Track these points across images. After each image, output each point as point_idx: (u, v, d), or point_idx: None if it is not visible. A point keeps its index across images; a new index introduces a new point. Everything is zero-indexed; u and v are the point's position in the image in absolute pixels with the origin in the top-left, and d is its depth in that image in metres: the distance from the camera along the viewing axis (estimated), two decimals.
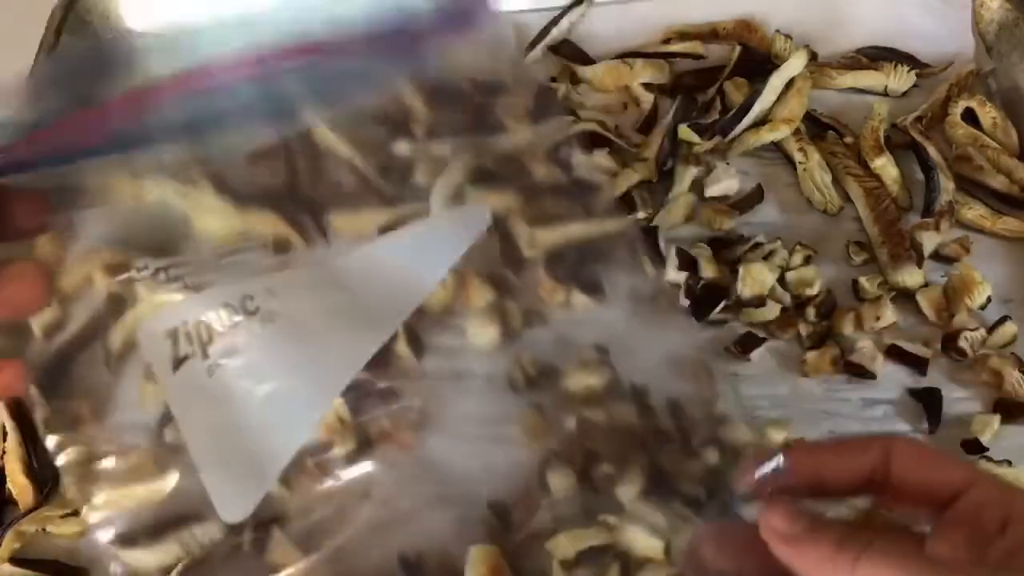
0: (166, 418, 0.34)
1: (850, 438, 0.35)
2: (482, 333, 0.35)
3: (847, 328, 0.60)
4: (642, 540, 0.33)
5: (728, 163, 0.66)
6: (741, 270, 0.59)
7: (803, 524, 0.29)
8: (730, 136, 0.67)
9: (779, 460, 0.31)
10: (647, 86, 0.71)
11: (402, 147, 0.33)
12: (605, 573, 0.33)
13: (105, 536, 0.53)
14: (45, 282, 0.30)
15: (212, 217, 0.35)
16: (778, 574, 0.30)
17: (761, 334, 0.59)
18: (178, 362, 0.31)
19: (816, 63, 0.73)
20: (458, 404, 0.59)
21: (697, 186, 0.66)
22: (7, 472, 0.55)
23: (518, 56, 0.36)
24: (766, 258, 0.61)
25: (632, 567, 0.33)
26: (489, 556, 0.33)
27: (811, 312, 0.60)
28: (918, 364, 0.59)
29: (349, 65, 0.30)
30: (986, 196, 0.66)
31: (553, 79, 0.71)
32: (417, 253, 0.33)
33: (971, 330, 0.58)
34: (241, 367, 0.31)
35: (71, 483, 0.55)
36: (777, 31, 0.73)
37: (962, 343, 0.58)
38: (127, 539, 0.53)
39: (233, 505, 0.32)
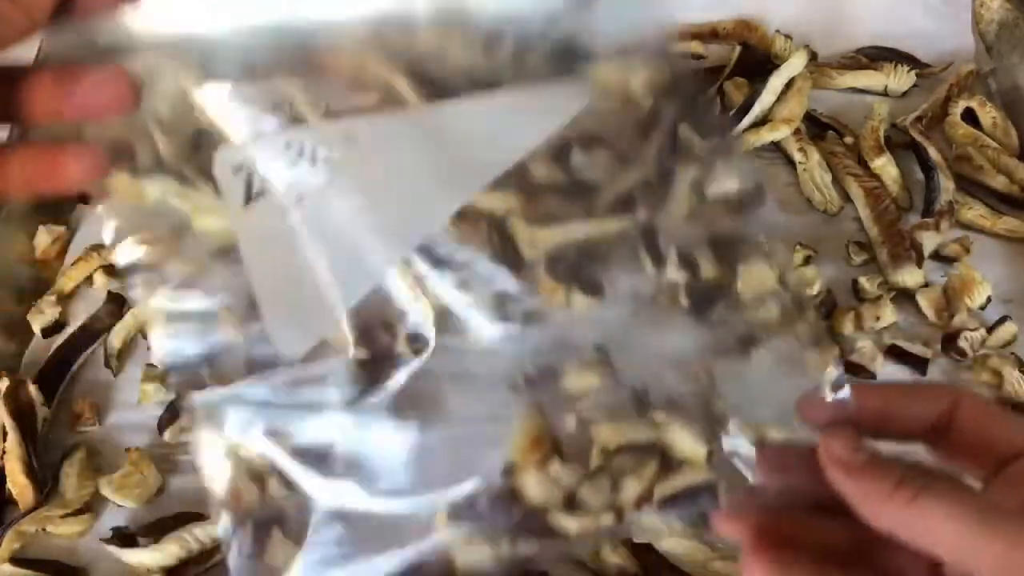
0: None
1: (919, 384, 0.35)
2: (482, 333, 0.35)
3: (847, 328, 0.60)
4: (687, 443, 0.33)
5: (728, 163, 0.66)
6: (741, 270, 0.59)
7: (864, 455, 0.29)
8: (730, 136, 0.67)
9: (847, 392, 0.31)
10: (647, 86, 0.71)
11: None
12: (643, 466, 0.33)
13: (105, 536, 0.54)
14: (134, 86, 0.30)
15: (212, 217, 0.35)
16: (821, 498, 0.30)
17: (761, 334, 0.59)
18: (250, 197, 0.31)
19: (816, 63, 0.73)
20: (458, 404, 0.59)
21: (697, 186, 0.66)
22: (7, 472, 0.55)
23: (518, 55, 0.36)
24: (766, 258, 0.61)
25: (671, 466, 0.33)
26: (534, 429, 0.32)
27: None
28: (918, 364, 0.59)
29: None
30: (986, 196, 0.66)
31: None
32: (512, 117, 0.33)
33: (971, 330, 0.58)
34: (313, 212, 0.31)
35: (71, 483, 0.55)
36: (777, 31, 0.73)
37: (962, 343, 0.58)
38: (127, 539, 0.53)
39: (290, 341, 0.32)
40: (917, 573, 0.30)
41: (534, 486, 0.33)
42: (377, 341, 0.34)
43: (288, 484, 0.52)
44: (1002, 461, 0.30)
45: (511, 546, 0.34)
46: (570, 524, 0.33)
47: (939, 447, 0.32)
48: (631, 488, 0.34)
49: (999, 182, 0.66)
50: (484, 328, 0.33)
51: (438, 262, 0.32)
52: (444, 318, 0.33)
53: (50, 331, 0.63)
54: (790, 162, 0.68)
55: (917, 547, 0.28)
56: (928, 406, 0.31)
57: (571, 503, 0.33)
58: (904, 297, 0.62)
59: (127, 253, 0.33)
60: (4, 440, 0.56)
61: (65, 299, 0.64)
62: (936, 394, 0.32)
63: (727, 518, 0.31)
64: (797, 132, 0.68)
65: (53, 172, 0.31)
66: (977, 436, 0.30)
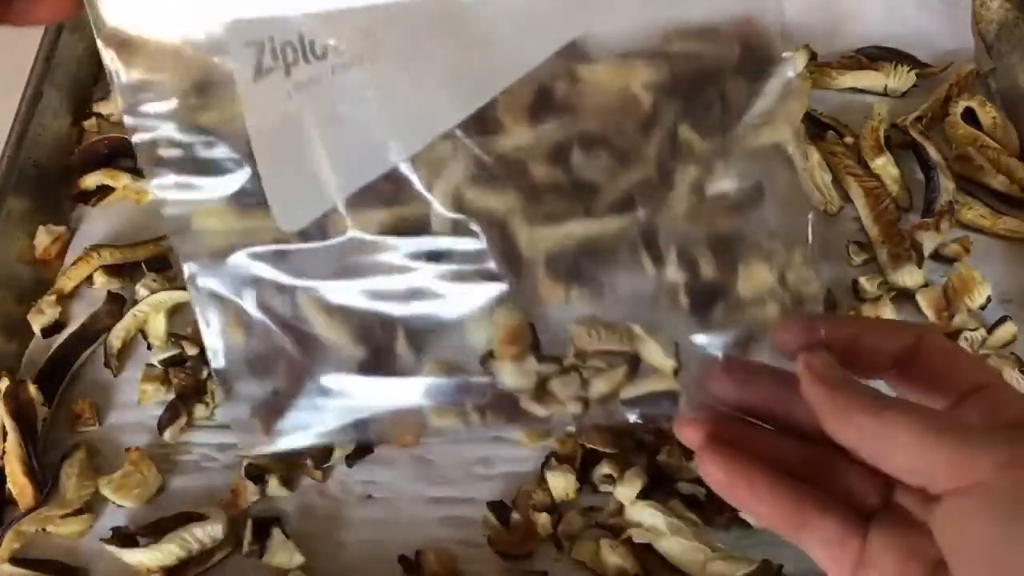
0: None
1: (885, 320, 0.36)
2: (483, 332, 0.35)
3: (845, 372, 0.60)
4: (657, 356, 0.34)
5: (728, 163, 0.66)
6: (741, 270, 0.59)
7: (841, 372, 0.31)
8: (730, 136, 0.67)
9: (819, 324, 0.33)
10: (647, 86, 0.71)
11: (398, 157, 0.33)
12: (613, 369, 0.35)
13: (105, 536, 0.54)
14: None
15: (212, 217, 0.35)
16: (776, 416, 0.33)
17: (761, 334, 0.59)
18: (260, 73, 0.31)
19: (816, 63, 0.73)
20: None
21: (697, 186, 0.66)
22: (7, 472, 0.55)
23: None
24: (766, 258, 0.61)
25: (639, 371, 0.35)
26: (515, 323, 0.33)
27: None
28: None
29: None
30: (986, 196, 0.66)
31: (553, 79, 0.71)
32: (533, 20, 0.33)
33: (971, 330, 0.58)
34: (322, 96, 0.31)
35: (71, 483, 0.55)
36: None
37: (962, 343, 0.58)
38: (127, 539, 0.53)
39: (291, 215, 0.32)
40: (866, 496, 0.32)
41: (509, 375, 0.34)
42: (377, 340, 0.34)
43: (288, 484, 0.52)
44: (962, 394, 0.31)
45: (480, 419, 0.35)
46: (538, 410, 0.35)
47: (902, 382, 0.33)
48: (600, 386, 0.35)
49: (999, 182, 0.66)
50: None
51: None
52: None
53: (50, 331, 0.63)
54: (790, 162, 0.68)
55: (877, 460, 0.29)
56: (893, 341, 0.33)
57: (541, 393, 0.35)
58: (904, 297, 0.62)
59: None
60: (4, 440, 0.56)
61: (65, 299, 0.64)
62: (901, 330, 0.33)
63: (685, 423, 0.33)
64: (797, 132, 0.68)
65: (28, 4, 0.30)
66: (939, 371, 0.32)
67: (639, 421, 0.35)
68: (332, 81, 0.31)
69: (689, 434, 0.33)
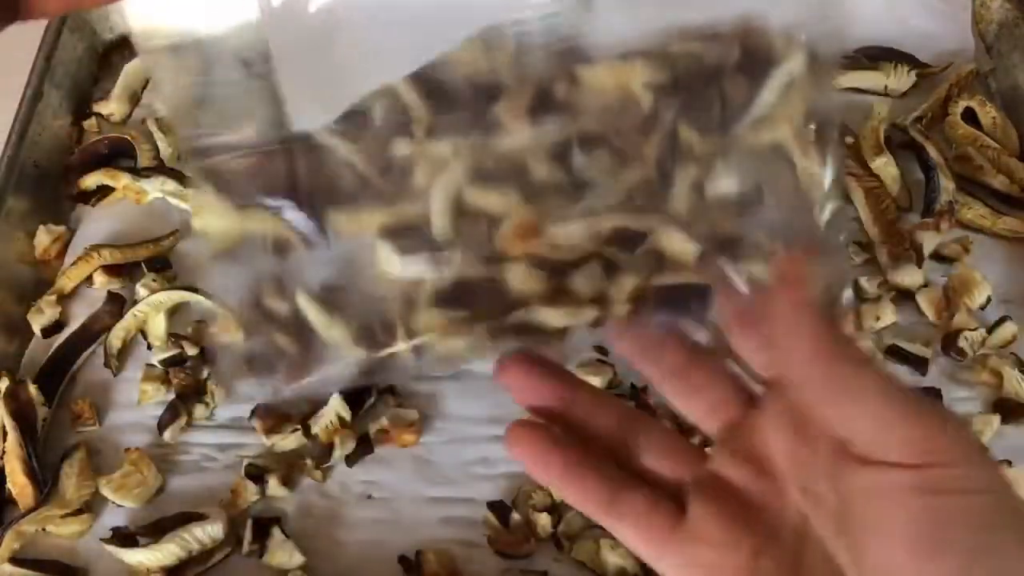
0: None
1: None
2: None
3: (847, 328, 0.60)
4: (678, 242, 0.34)
5: (728, 163, 0.66)
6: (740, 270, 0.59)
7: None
8: (730, 136, 0.67)
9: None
10: (647, 86, 0.71)
11: (402, 147, 0.33)
12: (637, 262, 0.34)
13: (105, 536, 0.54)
14: None
15: (212, 217, 0.35)
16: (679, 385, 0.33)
17: None
18: None
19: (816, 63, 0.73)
20: (458, 404, 0.60)
21: (697, 186, 0.66)
22: (7, 472, 0.55)
23: (518, 56, 0.36)
24: (766, 258, 0.61)
25: (664, 265, 0.34)
26: (527, 212, 0.32)
27: None
28: (918, 364, 0.59)
29: None
30: (986, 196, 0.66)
31: (553, 79, 0.71)
32: None
33: (971, 330, 0.59)
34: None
35: (71, 483, 0.55)
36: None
37: (962, 343, 0.58)
38: (127, 539, 0.53)
39: (308, 113, 0.32)
40: (676, 469, 0.32)
41: (518, 276, 0.32)
42: (377, 340, 0.34)
43: (289, 484, 0.52)
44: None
45: (489, 338, 0.33)
46: (553, 318, 0.33)
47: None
48: (628, 278, 0.33)
49: (999, 182, 0.66)
50: None
51: None
52: None
53: (50, 331, 0.63)
54: (790, 162, 0.68)
55: (838, 412, 0.28)
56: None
57: (555, 296, 0.33)
58: (904, 297, 0.62)
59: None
60: (4, 440, 0.56)
61: (65, 299, 0.64)
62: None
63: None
64: (798, 131, 0.68)
65: None
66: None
67: (663, 328, 0.33)
68: None
69: (508, 378, 0.33)
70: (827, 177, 0.38)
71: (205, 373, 0.60)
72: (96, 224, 0.68)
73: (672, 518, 0.31)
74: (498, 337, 0.33)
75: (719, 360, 0.35)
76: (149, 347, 0.61)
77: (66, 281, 0.64)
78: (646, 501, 0.31)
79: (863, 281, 0.62)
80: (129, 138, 0.70)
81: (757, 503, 0.30)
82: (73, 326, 0.63)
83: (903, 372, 0.59)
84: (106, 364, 0.61)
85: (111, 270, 0.64)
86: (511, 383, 0.34)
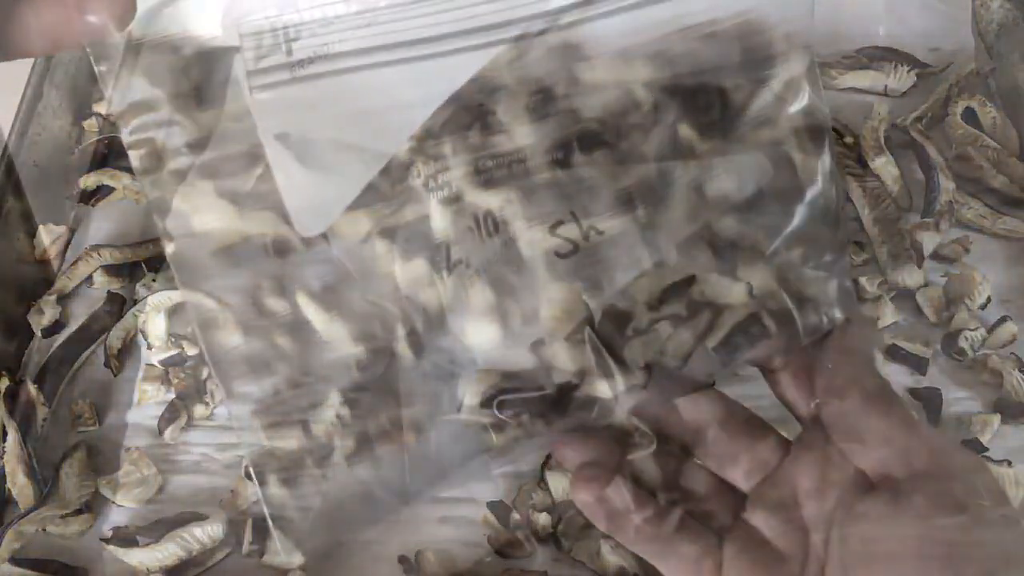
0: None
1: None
2: (482, 333, 0.35)
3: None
4: (722, 287, 0.34)
5: (728, 163, 0.66)
6: (741, 270, 0.59)
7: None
8: (730, 136, 0.67)
9: None
10: (647, 86, 0.71)
11: (401, 147, 0.33)
12: (694, 317, 0.33)
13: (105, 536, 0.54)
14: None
15: (213, 216, 0.35)
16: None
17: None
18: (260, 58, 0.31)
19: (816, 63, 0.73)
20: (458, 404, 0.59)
21: (697, 186, 0.66)
22: (7, 472, 0.55)
23: (518, 56, 0.36)
24: (766, 258, 0.61)
25: (717, 311, 0.34)
26: (566, 290, 0.32)
27: None
28: (918, 364, 0.59)
29: None
30: (986, 196, 0.66)
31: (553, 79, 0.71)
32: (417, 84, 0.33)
33: (971, 330, 0.58)
34: (325, 82, 0.31)
35: (71, 483, 0.55)
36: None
37: (962, 343, 0.58)
38: (127, 539, 0.53)
39: (308, 224, 0.32)
40: (720, 514, 0.35)
41: (565, 356, 0.32)
42: (377, 340, 0.34)
43: (288, 484, 0.52)
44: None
45: (544, 424, 0.33)
46: (603, 390, 0.33)
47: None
48: (683, 337, 0.34)
49: (999, 182, 0.66)
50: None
51: None
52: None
53: (50, 331, 0.63)
54: (790, 162, 0.68)
55: (862, 437, 0.33)
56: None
57: (604, 369, 0.32)
58: (904, 297, 0.62)
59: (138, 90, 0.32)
60: (4, 440, 0.56)
61: (65, 299, 0.64)
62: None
63: (561, 444, 0.35)
64: (798, 131, 0.68)
65: (73, 16, 0.27)
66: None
67: (727, 366, 0.34)
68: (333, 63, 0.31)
69: (566, 455, 0.35)
70: (822, 175, 0.38)
71: (205, 373, 0.60)
72: (96, 224, 0.68)
73: (714, 569, 0.33)
74: (553, 423, 0.33)
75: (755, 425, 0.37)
76: (149, 347, 0.61)
77: (66, 281, 0.64)
78: (693, 550, 0.33)
79: (863, 281, 0.61)
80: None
81: (784, 553, 0.32)
82: (73, 326, 0.63)
83: (903, 372, 0.59)
84: (106, 364, 0.61)
85: (111, 270, 0.64)
86: (568, 462, 0.35)
